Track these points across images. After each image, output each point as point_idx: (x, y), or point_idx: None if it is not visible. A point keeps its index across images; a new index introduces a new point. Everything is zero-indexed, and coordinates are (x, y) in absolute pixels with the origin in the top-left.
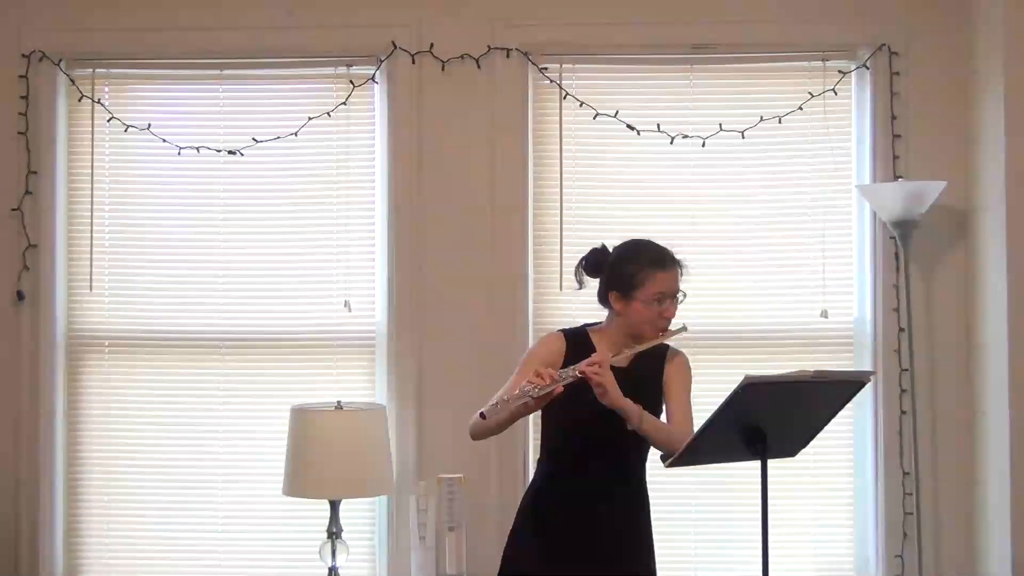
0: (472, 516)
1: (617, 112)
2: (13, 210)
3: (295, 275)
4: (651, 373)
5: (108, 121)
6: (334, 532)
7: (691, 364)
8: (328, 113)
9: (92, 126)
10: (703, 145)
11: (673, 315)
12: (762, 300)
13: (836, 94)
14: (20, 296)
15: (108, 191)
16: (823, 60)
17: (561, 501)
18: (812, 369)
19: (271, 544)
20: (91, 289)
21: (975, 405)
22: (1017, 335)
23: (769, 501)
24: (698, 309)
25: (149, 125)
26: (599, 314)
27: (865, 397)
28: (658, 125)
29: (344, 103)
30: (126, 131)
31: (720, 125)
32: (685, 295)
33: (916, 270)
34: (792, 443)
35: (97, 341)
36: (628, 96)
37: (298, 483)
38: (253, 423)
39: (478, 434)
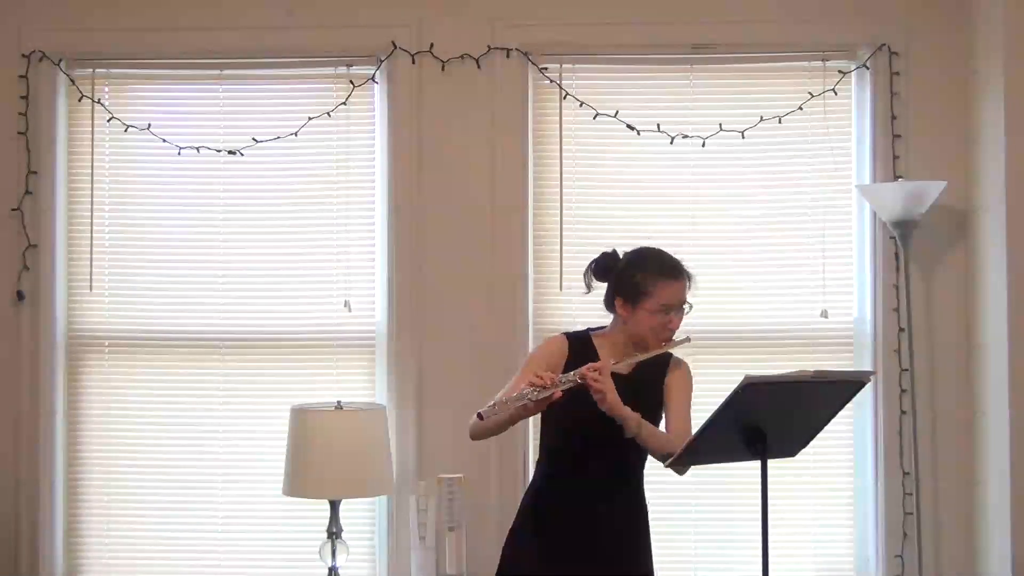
0: (472, 516)
1: (617, 112)
2: (13, 210)
3: (295, 275)
4: (652, 381)
5: (108, 121)
6: (334, 532)
7: (692, 364)
8: (328, 113)
9: (92, 126)
10: (703, 145)
11: (678, 326)
12: (762, 300)
13: (836, 94)
14: (20, 296)
15: (108, 191)
16: (823, 60)
17: (561, 501)
18: (812, 369)
19: (271, 544)
20: (91, 289)
21: (975, 405)
22: (1017, 335)
23: (769, 501)
24: (698, 309)
25: (149, 125)
26: (599, 314)
27: (865, 397)
28: (658, 125)
29: (344, 103)
30: (126, 131)
31: (720, 125)
32: (691, 306)
33: (916, 270)
34: (792, 443)
35: (97, 341)
36: (628, 96)
37: (298, 483)
38: (253, 423)
39: (477, 435)
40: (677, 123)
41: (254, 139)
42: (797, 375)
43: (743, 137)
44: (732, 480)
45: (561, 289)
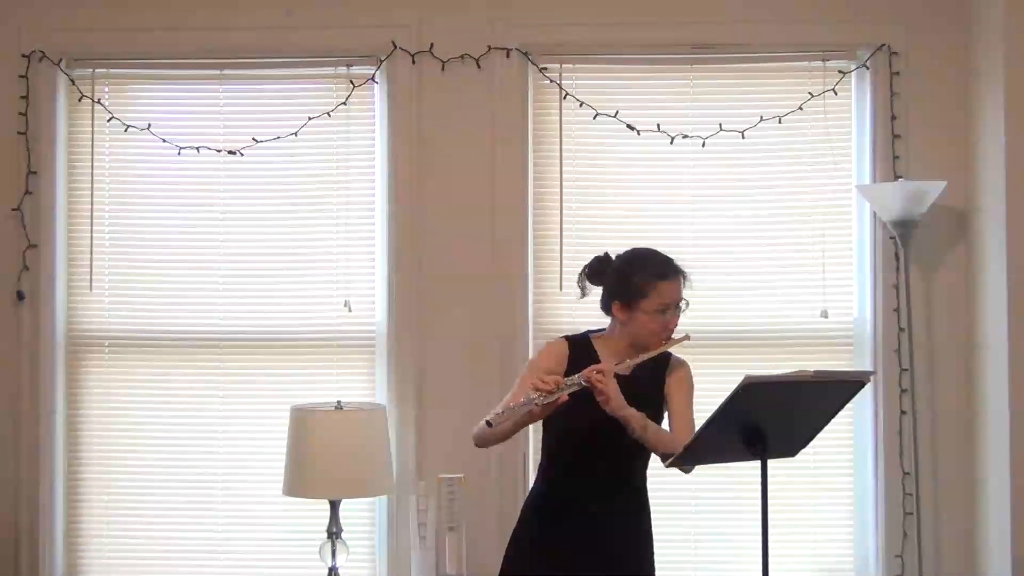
0: (472, 516)
1: (617, 112)
2: (13, 210)
3: (295, 275)
4: (653, 381)
5: (108, 121)
6: (334, 532)
7: (692, 364)
8: (328, 113)
9: (92, 126)
10: (703, 145)
11: (676, 325)
12: (762, 300)
13: (836, 94)
14: (20, 296)
15: (108, 191)
16: (823, 60)
17: (562, 504)
18: (812, 369)
19: (271, 544)
20: (91, 289)
21: (975, 405)
22: (1017, 335)
23: (769, 501)
24: (698, 309)
25: (149, 125)
26: (599, 315)
27: (865, 397)
28: (658, 125)
29: (344, 103)
30: (126, 131)
31: (720, 125)
32: (688, 304)
33: (916, 270)
34: (792, 443)
35: (97, 341)
36: (628, 96)
37: (298, 483)
38: (253, 423)
39: (484, 442)
40: (677, 123)
41: (254, 139)
42: (797, 375)
43: (743, 137)
44: (732, 480)
45: (561, 289)
